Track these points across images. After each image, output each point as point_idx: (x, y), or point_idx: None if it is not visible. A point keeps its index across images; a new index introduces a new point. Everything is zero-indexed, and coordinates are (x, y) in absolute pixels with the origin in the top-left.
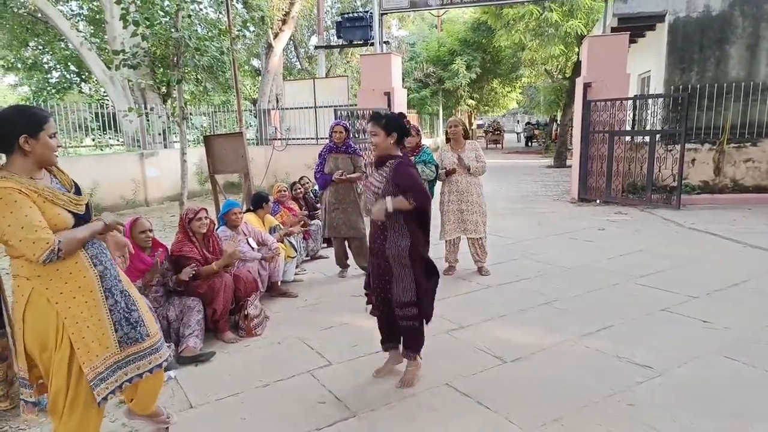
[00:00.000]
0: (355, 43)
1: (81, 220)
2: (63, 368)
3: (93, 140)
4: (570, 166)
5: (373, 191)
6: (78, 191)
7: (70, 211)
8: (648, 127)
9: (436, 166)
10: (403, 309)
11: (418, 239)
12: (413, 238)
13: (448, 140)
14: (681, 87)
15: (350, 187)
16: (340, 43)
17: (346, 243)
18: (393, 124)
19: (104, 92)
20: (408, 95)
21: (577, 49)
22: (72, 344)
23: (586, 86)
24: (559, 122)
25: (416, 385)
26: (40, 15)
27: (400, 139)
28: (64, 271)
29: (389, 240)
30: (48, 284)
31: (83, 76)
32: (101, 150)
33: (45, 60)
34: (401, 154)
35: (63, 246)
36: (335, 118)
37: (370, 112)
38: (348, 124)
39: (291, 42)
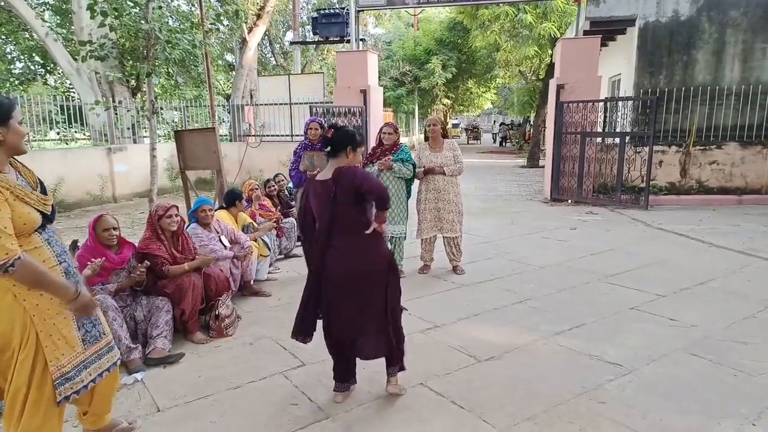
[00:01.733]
0: (331, 39)
1: (47, 220)
2: (26, 367)
3: (58, 134)
4: (543, 167)
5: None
6: (44, 190)
7: (38, 211)
8: (618, 129)
9: (414, 165)
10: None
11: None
12: None
13: (426, 138)
14: (650, 90)
15: None
16: (316, 40)
17: None
18: (358, 142)
19: (70, 84)
20: (384, 93)
21: (550, 51)
22: (38, 342)
23: (559, 88)
24: (532, 123)
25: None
26: (3, 3)
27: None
28: None
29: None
30: (15, 280)
31: (48, 68)
32: (66, 144)
33: (8, 50)
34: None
35: (19, 266)
36: (311, 115)
37: (346, 109)
38: (323, 121)
39: (266, 37)
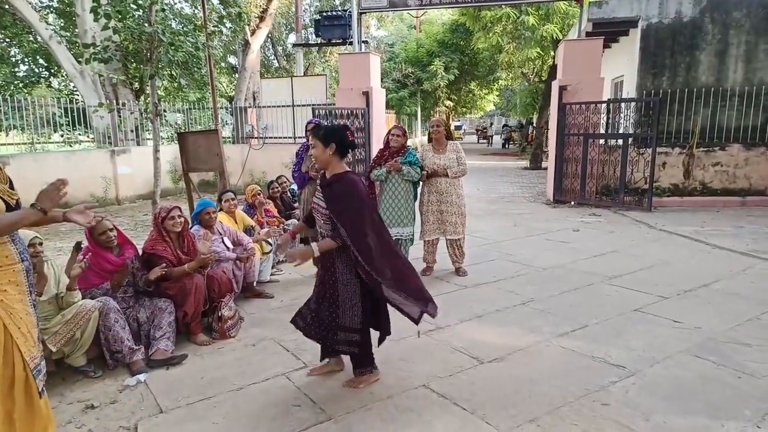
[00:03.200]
0: (334, 41)
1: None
2: None
3: (62, 136)
4: (545, 168)
5: (321, 212)
6: (12, 186)
7: (3, 200)
8: (621, 131)
9: (421, 167)
10: (345, 333)
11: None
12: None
13: (430, 140)
14: (653, 92)
15: None
16: (319, 42)
17: None
18: (331, 136)
19: (74, 87)
20: (386, 95)
21: (553, 53)
22: (7, 334)
23: (562, 89)
24: (535, 125)
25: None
26: (7, 6)
27: (342, 153)
28: None
29: (336, 261)
30: None
31: (52, 70)
32: (70, 146)
33: (12, 53)
34: (345, 170)
35: None
36: (313, 117)
37: (349, 111)
38: (321, 122)
39: (269, 39)
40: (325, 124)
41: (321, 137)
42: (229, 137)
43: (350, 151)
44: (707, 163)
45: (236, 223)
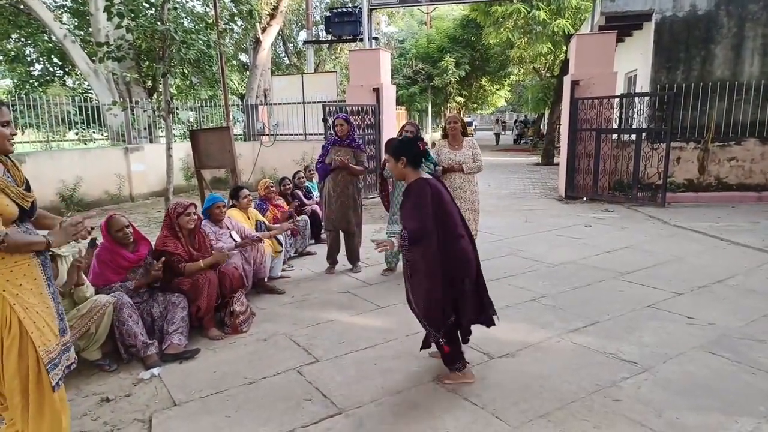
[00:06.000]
0: (344, 38)
1: (24, 214)
2: (14, 354)
3: (76, 134)
4: (557, 164)
5: None
6: (28, 188)
7: (17, 204)
8: (634, 126)
9: (435, 163)
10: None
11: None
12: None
13: (445, 136)
14: (667, 86)
15: (350, 180)
16: (329, 39)
17: (342, 238)
18: (399, 150)
19: (88, 85)
20: (397, 92)
21: (564, 48)
22: (22, 329)
23: (574, 84)
24: (546, 120)
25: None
26: (22, 6)
27: (414, 163)
28: (9, 259)
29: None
30: None
31: (66, 69)
32: (85, 144)
33: (27, 52)
34: (416, 177)
35: (9, 241)
36: (323, 114)
37: (359, 107)
38: (349, 117)
39: (279, 37)
40: (353, 120)
41: (392, 153)
42: (240, 134)
43: (423, 160)
44: (722, 158)
45: (248, 219)
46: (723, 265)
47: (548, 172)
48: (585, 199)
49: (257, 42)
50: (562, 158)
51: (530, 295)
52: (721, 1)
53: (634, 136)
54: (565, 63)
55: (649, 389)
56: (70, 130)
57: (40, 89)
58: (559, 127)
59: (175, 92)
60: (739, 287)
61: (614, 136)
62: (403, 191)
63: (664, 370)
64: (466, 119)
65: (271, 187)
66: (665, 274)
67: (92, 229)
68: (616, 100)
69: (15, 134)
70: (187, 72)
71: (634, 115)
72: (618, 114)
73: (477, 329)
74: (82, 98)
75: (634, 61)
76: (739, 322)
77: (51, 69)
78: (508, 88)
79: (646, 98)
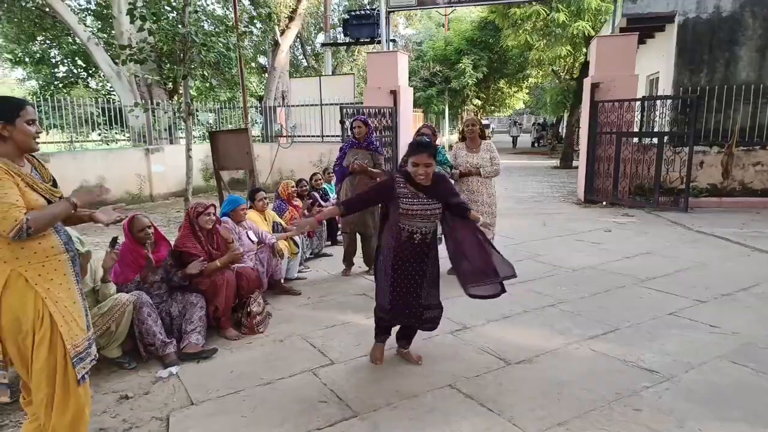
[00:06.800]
0: (362, 41)
1: None
2: (44, 347)
3: (99, 135)
4: (576, 167)
5: (424, 215)
6: (55, 185)
7: (46, 199)
8: (656, 129)
9: (451, 166)
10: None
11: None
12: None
13: (463, 138)
14: (690, 89)
15: (368, 183)
16: (347, 41)
17: (359, 241)
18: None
19: (111, 87)
20: (414, 94)
21: (584, 50)
22: (53, 323)
23: (594, 87)
24: (565, 123)
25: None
26: (48, 9)
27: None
28: (41, 254)
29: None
30: (27, 266)
31: (90, 71)
32: (107, 145)
33: (52, 54)
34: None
35: (32, 224)
36: (341, 116)
37: (377, 110)
38: (367, 119)
39: (298, 39)
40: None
41: (435, 156)
42: (258, 136)
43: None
44: (747, 163)
45: (266, 221)
46: (747, 272)
47: (567, 176)
48: (605, 203)
49: (276, 44)
50: (581, 161)
51: (548, 300)
52: (746, 3)
53: (655, 140)
54: (585, 65)
55: (671, 399)
56: (93, 131)
57: (65, 91)
58: (578, 130)
59: (195, 94)
60: (763, 295)
61: (635, 140)
62: (434, 187)
63: (686, 379)
64: (484, 121)
65: (293, 188)
66: (687, 281)
67: (124, 217)
68: (638, 103)
69: (40, 132)
70: (207, 74)
71: (656, 119)
72: (639, 117)
73: (493, 334)
74: (105, 100)
75: (656, 63)
76: (764, 331)
77: (75, 71)
78: (527, 91)
79: (669, 101)
